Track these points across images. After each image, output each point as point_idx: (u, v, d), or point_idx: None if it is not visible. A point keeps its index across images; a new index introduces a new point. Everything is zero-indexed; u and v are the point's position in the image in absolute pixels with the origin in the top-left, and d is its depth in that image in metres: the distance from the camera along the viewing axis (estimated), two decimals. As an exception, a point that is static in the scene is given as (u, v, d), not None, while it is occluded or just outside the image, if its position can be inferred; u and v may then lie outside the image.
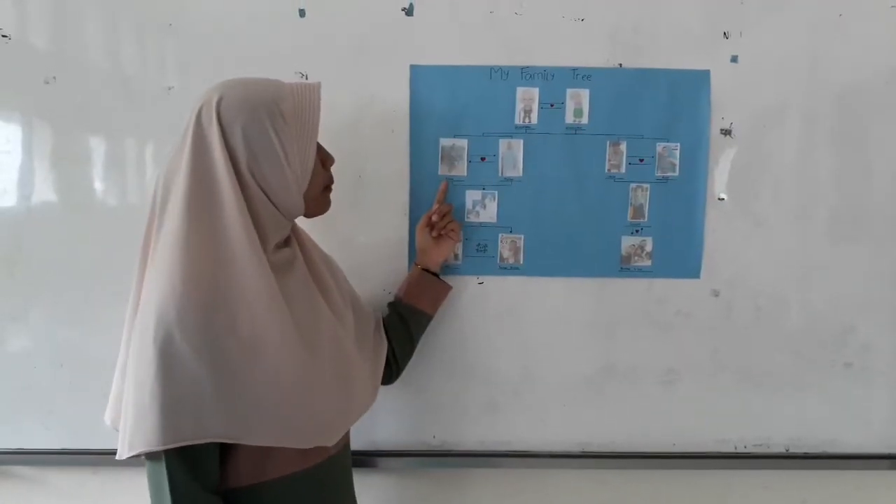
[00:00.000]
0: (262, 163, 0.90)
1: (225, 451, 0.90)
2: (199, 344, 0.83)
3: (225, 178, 0.87)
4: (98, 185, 1.30)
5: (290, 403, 0.90)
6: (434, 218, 1.24)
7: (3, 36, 1.25)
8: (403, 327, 1.23)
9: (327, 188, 1.04)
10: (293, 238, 1.03)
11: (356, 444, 1.19)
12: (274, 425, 0.89)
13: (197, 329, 0.83)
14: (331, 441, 0.96)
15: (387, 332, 1.21)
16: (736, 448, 1.37)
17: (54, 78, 1.26)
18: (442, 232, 1.24)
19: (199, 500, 0.86)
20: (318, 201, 1.02)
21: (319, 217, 1.06)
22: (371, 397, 1.10)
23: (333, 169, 1.06)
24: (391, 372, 1.23)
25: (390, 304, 1.26)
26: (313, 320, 0.97)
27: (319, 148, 1.01)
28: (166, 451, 0.84)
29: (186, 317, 0.83)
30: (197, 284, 0.84)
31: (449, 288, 1.28)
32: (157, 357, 0.83)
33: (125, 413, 0.88)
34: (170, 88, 1.27)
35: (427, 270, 1.25)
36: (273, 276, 0.90)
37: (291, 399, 0.90)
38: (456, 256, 1.32)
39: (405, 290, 1.25)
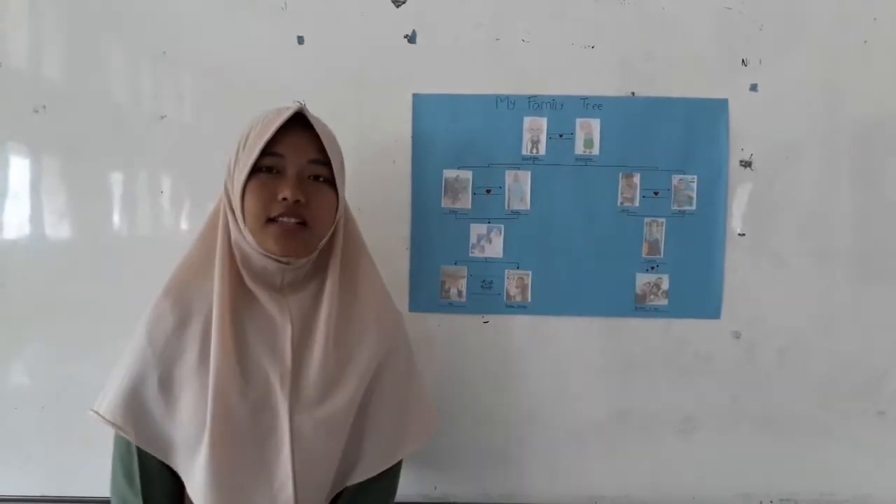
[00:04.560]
0: (230, 182, 0.93)
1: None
2: (155, 344, 0.90)
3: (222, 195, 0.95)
4: (87, 218, 1.25)
5: (197, 439, 0.89)
6: None
7: (-7, 64, 1.22)
8: None
9: (271, 220, 0.88)
10: (313, 283, 0.95)
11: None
12: (174, 449, 0.91)
13: (158, 330, 0.90)
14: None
15: None
16: (761, 503, 1.28)
17: (44, 107, 1.23)
18: None
19: (121, 489, 0.94)
20: (260, 234, 0.88)
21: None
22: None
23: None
24: None
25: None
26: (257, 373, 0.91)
27: (279, 174, 0.89)
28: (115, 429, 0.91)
29: (152, 314, 0.91)
30: (169, 291, 0.92)
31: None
32: (130, 345, 0.93)
33: None
34: (163, 117, 1.23)
35: None
36: (228, 303, 0.90)
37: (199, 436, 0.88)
38: (459, 294, 1.25)
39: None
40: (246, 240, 0.90)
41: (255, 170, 0.87)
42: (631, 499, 1.28)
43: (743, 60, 1.22)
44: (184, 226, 1.25)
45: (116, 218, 1.25)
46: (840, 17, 1.22)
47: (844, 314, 1.26)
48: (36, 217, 1.25)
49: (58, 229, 1.25)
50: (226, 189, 0.93)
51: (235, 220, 0.91)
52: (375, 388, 0.97)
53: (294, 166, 0.89)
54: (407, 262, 1.24)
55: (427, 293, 1.25)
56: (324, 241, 0.94)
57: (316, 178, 0.91)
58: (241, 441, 0.88)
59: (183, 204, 1.25)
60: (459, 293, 1.25)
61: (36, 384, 1.27)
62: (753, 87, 1.22)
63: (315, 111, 0.94)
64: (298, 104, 0.89)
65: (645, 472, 1.27)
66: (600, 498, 1.28)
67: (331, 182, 0.92)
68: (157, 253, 1.22)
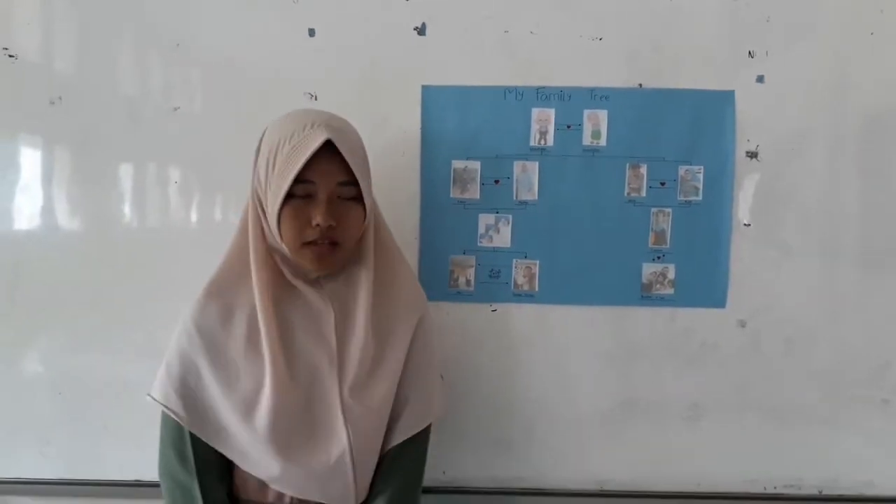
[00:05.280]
0: (262, 194, 0.96)
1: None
2: (203, 332, 0.95)
3: (252, 198, 0.99)
4: (102, 208, 1.27)
5: (243, 419, 0.93)
6: None
7: (10, 56, 1.24)
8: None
9: (307, 245, 0.93)
10: (345, 271, 1.01)
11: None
12: (218, 431, 0.95)
13: (204, 321, 0.96)
14: (278, 485, 0.96)
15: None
16: (765, 489, 1.30)
17: (60, 98, 1.24)
18: None
19: (174, 470, 0.96)
20: (297, 254, 0.94)
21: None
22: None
23: None
24: None
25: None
26: (304, 357, 0.97)
27: (310, 198, 0.93)
28: (163, 409, 0.96)
29: (197, 307, 0.96)
30: (211, 288, 0.97)
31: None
32: (176, 336, 0.98)
33: None
34: (176, 109, 1.25)
35: None
36: (271, 296, 0.95)
37: (244, 417, 0.93)
38: (468, 282, 1.26)
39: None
40: (284, 251, 0.96)
41: (287, 195, 0.91)
42: (636, 483, 1.29)
43: (749, 52, 1.23)
44: (196, 217, 1.27)
45: (130, 209, 1.27)
46: (847, 9, 1.22)
47: (849, 303, 1.26)
48: (50, 208, 1.27)
49: (72, 220, 1.27)
50: (255, 194, 0.98)
51: (272, 234, 0.96)
52: (409, 355, 1.04)
53: (325, 191, 0.93)
54: (416, 251, 1.26)
55: (436, 282, 1.26)
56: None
57: (344, 197, 0.95)
58: (297, 419, 0.94)
59: (195, 195, 1.27)
60: (468, 282, 1.26)
61: (52, 371, 1.29)
62: (760, 79, 1.23)
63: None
64: (325, 134, 0.90)
65: (650, 459, 1.29)
66: (606, 482, 1.29)
67: (358, 198, 0.96)
68: (169, 244, 1.27)
